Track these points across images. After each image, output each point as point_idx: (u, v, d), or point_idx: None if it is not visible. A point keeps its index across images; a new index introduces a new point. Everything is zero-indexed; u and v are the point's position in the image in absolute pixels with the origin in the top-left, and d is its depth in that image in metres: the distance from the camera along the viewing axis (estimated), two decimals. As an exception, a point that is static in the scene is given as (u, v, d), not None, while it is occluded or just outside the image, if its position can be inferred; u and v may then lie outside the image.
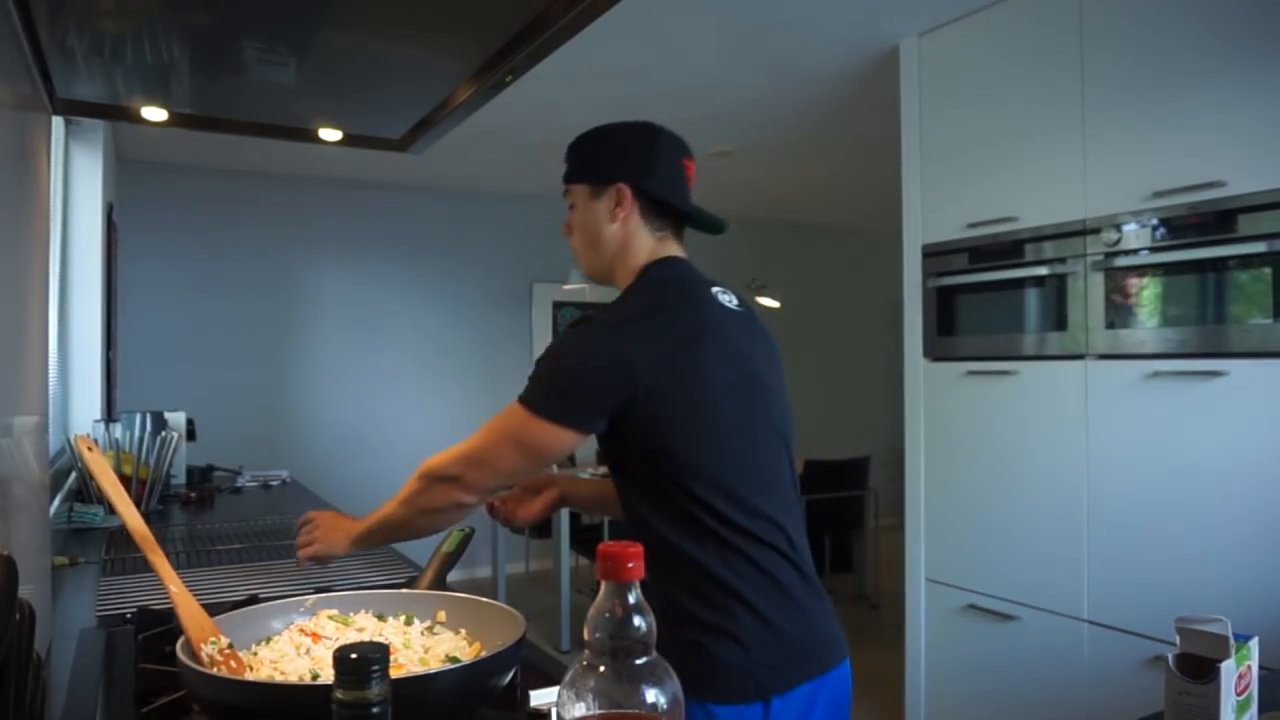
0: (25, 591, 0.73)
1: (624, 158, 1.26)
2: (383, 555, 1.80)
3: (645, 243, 1.26)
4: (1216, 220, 2.04)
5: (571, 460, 4.68)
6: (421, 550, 1.57)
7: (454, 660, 0.86)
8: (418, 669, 0.83)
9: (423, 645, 0.90)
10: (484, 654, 0.85)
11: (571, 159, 1.29)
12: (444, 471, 1.20)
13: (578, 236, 1.29)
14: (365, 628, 0.94)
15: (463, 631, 0.96)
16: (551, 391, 1.14)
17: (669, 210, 1.26)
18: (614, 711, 0.53)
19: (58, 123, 2.81)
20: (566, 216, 1.31)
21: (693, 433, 1.12)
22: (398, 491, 1.24)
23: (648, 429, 1.11)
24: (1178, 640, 0.82)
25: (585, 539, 4.39)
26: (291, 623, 0.95)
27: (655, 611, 0.57)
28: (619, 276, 1.27)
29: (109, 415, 3.25)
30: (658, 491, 1.13)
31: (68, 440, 2.44)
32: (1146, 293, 2.19)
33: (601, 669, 0.54)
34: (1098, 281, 2.28)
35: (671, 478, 1.12)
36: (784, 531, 1.15)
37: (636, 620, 0.55)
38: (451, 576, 1.26)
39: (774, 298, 5.78)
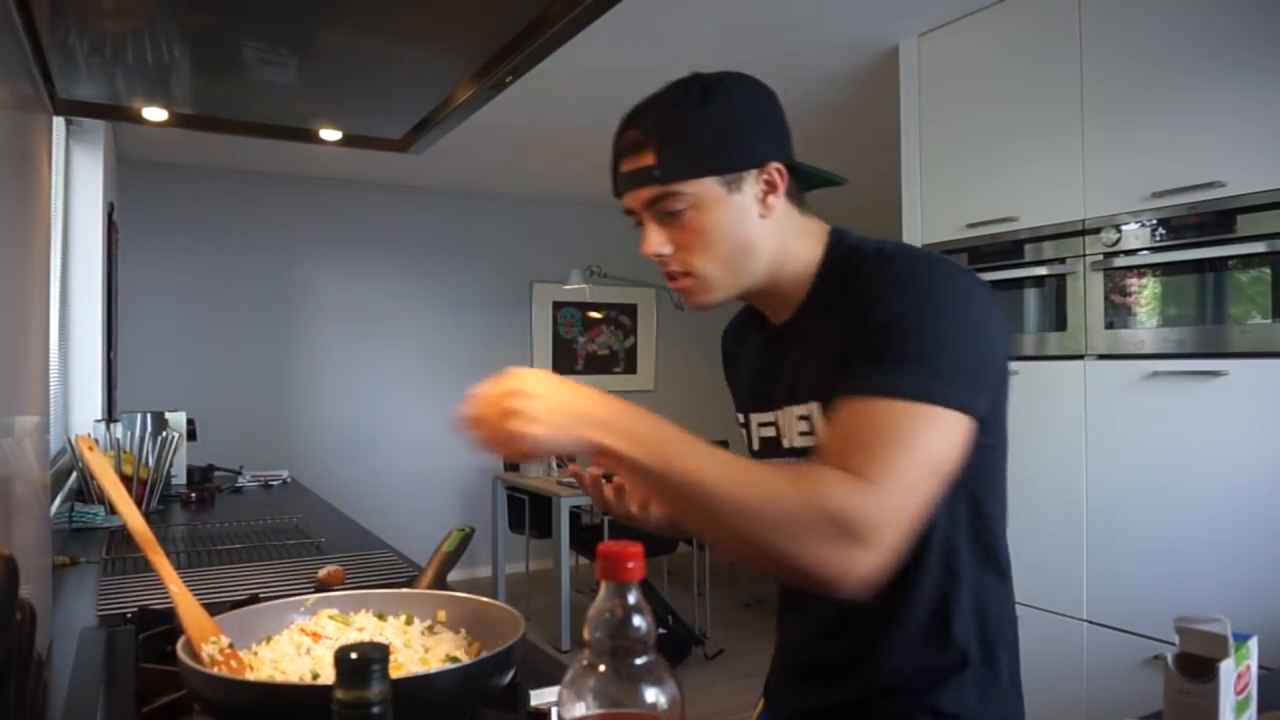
0: (26, 591, 0.73)
1: (764, 123, 0.93)
2: (382, 555, 1.80)
3: (797, 223, 0.97)
4: (1216, 220, 2.04)
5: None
6: (421, 550, 1.57)
7: (454, 660, 0.86)
8: (418, 669, 0.83)
9: (423, 645, 0.90)
10: (484, 654, 0.85)
11: (688, 138, 0.89)
12: (867, 524, 0.73)
13: (710, 253, 0.91)
14: (365, 627, 0.94)
15: (462, 631, 0.96)
16: (971, 372, 0.81)
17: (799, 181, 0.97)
18: (614, 711, 0.53)
19: (58, 123, 2.81)
20: (653, 233, 0.92)
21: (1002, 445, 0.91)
22: (745, 463, 0.76)
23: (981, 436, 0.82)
24: (1177, 640, 0.82)
25: (585, 539, 4.39)
26: (291, 622, 0.95)
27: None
28: (784, 277, 0.97)
29: (109, 415, 3.25)
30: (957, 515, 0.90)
31: (68, 440, 2.44)
32: (1146, 293, 2.19)
33: (601, 669, 0.54)
34: (1097, 281, 2.28)
35: (975, 501, 0.91)
36: None
37: (636, 620, 0.55)
38: (451, 576, 1.26)
39: (774, 298, 5.76)
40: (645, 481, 0.75)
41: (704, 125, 0.89)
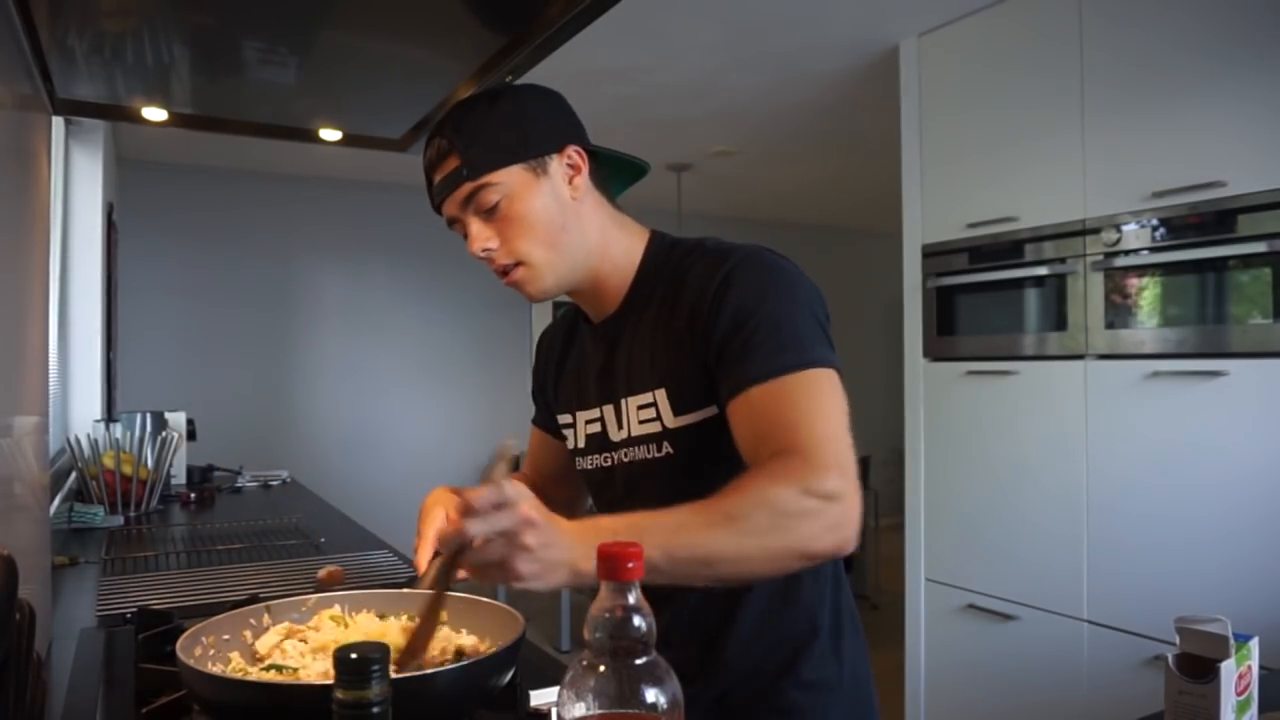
0: (25, 591, 0.73)
1: (555, 114, 0.99)
2: (382, 555, 1.80)
3: (612, 213, 1.02)
4: (1216, 220, 2.04)
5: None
6: (421, 550, 1.56)
7: (462, 652, 0.87)
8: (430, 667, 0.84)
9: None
10: (482, 654, 0.85)
11: (486, 134, 0.93)
12: (825, 483, 0.80)
13: (533, 237, 0.95)
14: (366, 629, 0.94)
15: (463, 631, 0.96)
16: (823, 335, 0.90)
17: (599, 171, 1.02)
18: (614, 711, 0.53)
19: (58, 123, 2.81)
20: (476, 230, 0.95)
21: None
22: (700, 509, 0.79)
23: None
24: (1177, 640, 0.82)
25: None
26: (292, 622, 0.95)
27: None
28: (607, 267, 1.01)
29: (109, 415, 3.25)
30: None
31: (68, 440, 2.44)
32: (1146, 293, 2.19)
33: (601, 669, 0.54)
34: (1097, 281, 2.28)
35: None
36: None
37: (636, 620, 0.55)
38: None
39: (774, 298, 5.77)
40: (649, 578, 0.76)
41: (498, 121, 0.95)
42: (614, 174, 1.06)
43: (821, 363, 0.87)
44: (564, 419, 1.13)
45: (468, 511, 0.73)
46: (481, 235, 0.95)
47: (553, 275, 0.97)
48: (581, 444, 1.09)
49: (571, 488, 1.20)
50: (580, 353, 1.11)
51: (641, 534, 0.75)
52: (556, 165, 0.96)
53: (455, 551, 0.76)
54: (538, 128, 0.96)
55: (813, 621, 1.01)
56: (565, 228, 0.96)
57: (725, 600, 0.99)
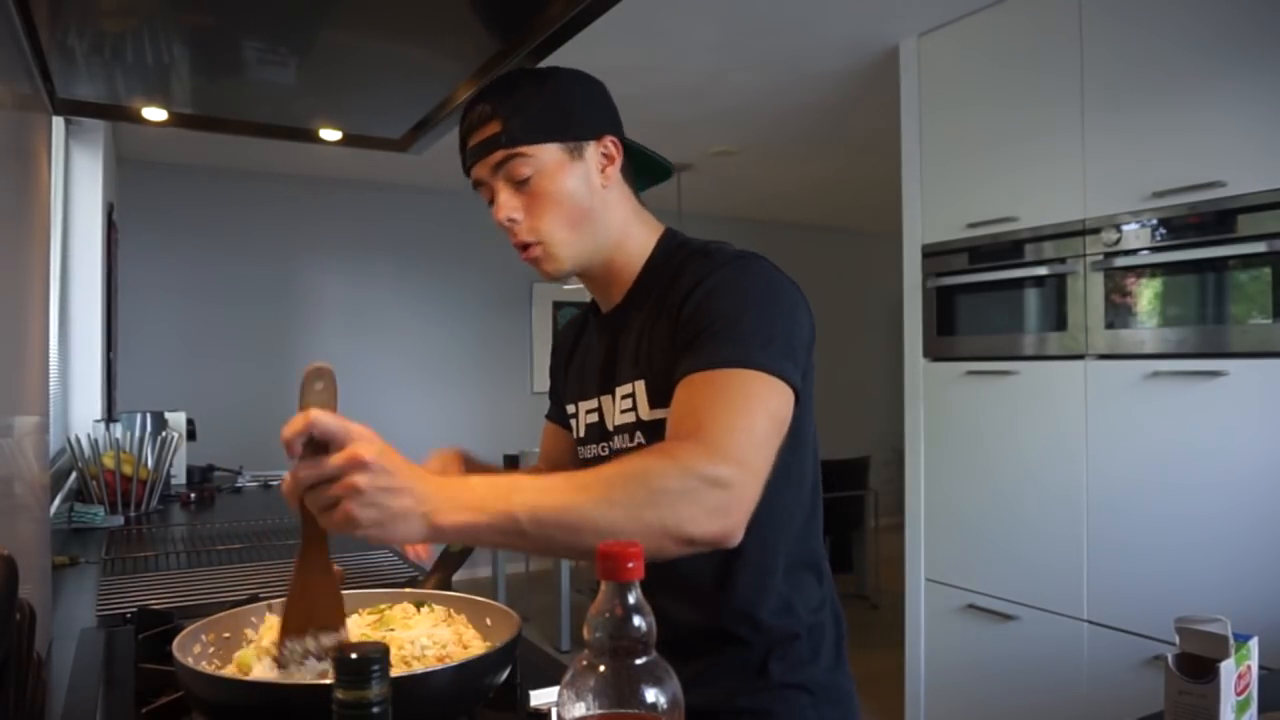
0: (25, 591, 0.73)
1: (598, 103, 1.01)
2: (382, 555, 1.80)
3: (635, 206, 1.04)
4: (1216, 220, 2.04)
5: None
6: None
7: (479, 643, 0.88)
8: (460, 653, 0.84)
9: (442, 638, 0.90)
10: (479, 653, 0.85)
11: (530, 107, 0.95)
12: (717, 468, 0.77)
13: (557, 217, 0.96)
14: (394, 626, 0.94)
15: (472, 629, 0.96)
16: (784, 347, 0.88)
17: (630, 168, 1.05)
18: (614, 711, 0.53)
19: (58, 123, 2.81)
20: (504, 199, 0.96)
21: (810, 415, 0.98)
22: (576, 475, 0.79)
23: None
24: (1177, 640, 0.82)
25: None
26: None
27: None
28: (621, 257, 1.03)
29: (109, 415, 3.25)
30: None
31: (68, 440, 2.44)
32: (1146, 293, 2.19)
33: (601, 669, 0.54)
34: (1097, 281, 2.28)
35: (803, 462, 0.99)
36: None
37: (636, 620, 0.55)
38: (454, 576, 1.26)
39: (774, 298, 5.77)
40: (507, 540, 0.73)
41: (544, 99, 0.97)
42: (640, 170, 1.08)
43: (766, 367, 0.85)
44: (569, 409, 1.15)
45: (304, 428, 0.68)
46: (509, 204, 0.96)
47: (570, 257, 0.99)
48: (582, 433, 1.10)
49: None
50: (588, 344, 1.13)
51: (509, 493, 0.73)
52: (592, 151, 0.98)
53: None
54: (581, 112, 0.98)
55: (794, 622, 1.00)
56: (590, 213, 0.98)
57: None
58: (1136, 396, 2.19)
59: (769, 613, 0.97)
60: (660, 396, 0.95)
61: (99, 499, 2.31)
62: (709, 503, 0.77)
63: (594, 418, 1.08)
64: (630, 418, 0.99)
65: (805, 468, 1.00)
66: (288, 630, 0.78)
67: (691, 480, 0.77)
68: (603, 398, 1.06)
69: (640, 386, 0.98)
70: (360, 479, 0.67)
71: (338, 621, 0.79)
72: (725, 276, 0.92)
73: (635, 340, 1.01)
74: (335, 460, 0.68)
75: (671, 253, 1.03)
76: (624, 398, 1.01)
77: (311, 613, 0.78)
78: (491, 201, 0.98)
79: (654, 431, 0.95)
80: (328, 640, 0.77)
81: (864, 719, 1.06)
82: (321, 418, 0.68)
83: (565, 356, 1.19)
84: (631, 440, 0.99)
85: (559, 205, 0.96)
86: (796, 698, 0.98)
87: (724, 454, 0.79)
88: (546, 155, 0.95)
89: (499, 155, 0.95)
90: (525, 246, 0.98)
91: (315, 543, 0.78)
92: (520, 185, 0.96)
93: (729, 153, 4.45)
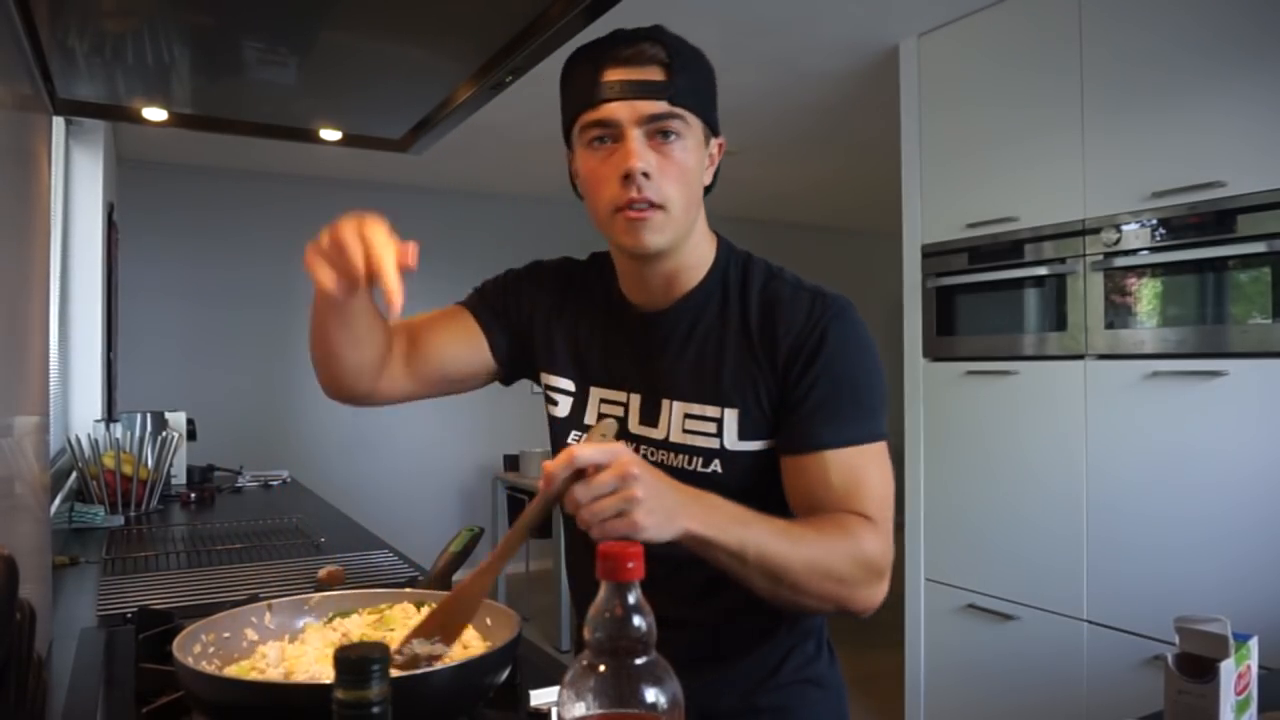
0: (25, 591, 0.73)
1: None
2: (382, 555, 1.80)
3: (704, 217, 1.03)
4: (1216, 220, 2.04)
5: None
6: (421, 550, 1.57)
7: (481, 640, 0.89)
8: (460, 653, 0.84)
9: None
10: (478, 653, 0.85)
11: (694, 74, 0.93)
12: (883, 560, 0.90)
13: (684, 189, 0.92)
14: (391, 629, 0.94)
15: (471, 629, 0.96)
16: (886, 408, 0.97)
17: None
18: (614, 711, 0.53)
19: (58, 123, 2.81)
20: (643, 149, 0.90)
21: None
22: (804, 530, 0.88)
23: None
24: (1177, 640, 0.82)
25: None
26: (301, 621, 0.96)
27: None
28: (686, 253, 0.99)
29: (109, 415, 3.25)
30: None
31: (68, 440, 2.44)
32: (1146, 293, 2.19)
33: (601, 669, 0.54)
34: (1097, 281, 2.28)
35: None
36: None
37: (636, 620, 0.55)
38: (454, 576, 1.26)
39: (774, 298, 5.77)
40: (728, 561, 0.82)
41: (705, 73, 0.96)
42: None
43: (885, 435, 0.95)
44: (559, 382, 1.08)
45: (569, 464, 0.73)
46: (646, 156, 0.90)
47: (672, 235, 0.94)
48: (589, 419, 1.06)
49: (408, 364, 1.13)
50: (615, 328, 1.06)
51: (746, 525, 0.82)
52: (712, 144, 0.99)
53: (555, 495, 0.75)
54: (716, 105, 0.98)
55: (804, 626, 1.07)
56: (698, 201, 0.97)
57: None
58: (1136, 396, 2.20)
59: (792, 615, 1.01)
60: (752, 430, 0.96)
61: (99, 499, 2.31)
62: (874, 594, 0.90)
63: (617, 410, 1.03)
64: (710, 443, 0.97)
65: None
66: (421, 630, 0.82)
67: (868, 573, 0.88)
68: (632, 396, 1.02)
69: (732, 415, 0.96)
70: (637, 490, 0.73)
71: (452, 636, 0.83)
72: (843, 336, 0.94)
73: (707, 359, 0.98)
74: (608, 476, 0.73)
75: (731, 266, 1.01)
76: (695, 418, 0.98)
77: (447, 622, 0.82)
78: (601, 140, 0.92)
79: (736, 462, 0.96)
80: (435, 649, 0.81)
81: (864, 719, 1.08)
82: (583, 451, 0.74)
83: (555, 313, 1.10)
84: (705, 465, 0.97)
85: (687, 180, 0.93)
86: (808, 693, 1.04)
87: (887, 537, 0.91)
88: (695, 128, 0.93)
89: (662, 107, 0.90)
90: (639, 206, 0.91)
91: (497, 565, 0.84)
92: (660, 142, 0.91)
93: (729, 153, 4.41)
